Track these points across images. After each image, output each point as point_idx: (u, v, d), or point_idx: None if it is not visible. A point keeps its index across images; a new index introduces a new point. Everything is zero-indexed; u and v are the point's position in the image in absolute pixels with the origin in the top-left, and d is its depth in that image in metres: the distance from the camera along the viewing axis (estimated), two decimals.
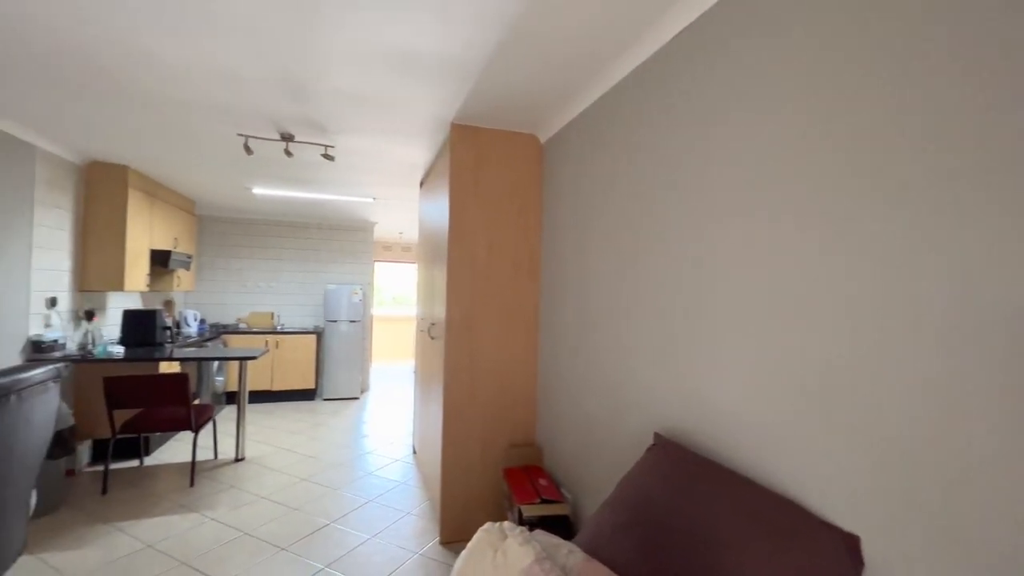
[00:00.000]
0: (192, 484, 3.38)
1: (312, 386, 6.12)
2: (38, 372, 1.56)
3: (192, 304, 6.12)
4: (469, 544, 1.26)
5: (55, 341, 3.50)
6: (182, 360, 4.05)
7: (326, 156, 3.32)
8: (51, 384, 1.65)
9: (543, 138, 2.84)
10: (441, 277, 2.89)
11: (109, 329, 4.36)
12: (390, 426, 5.05)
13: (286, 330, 6.09)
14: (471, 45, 1.95)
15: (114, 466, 3.66)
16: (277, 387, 5.95)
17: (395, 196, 4.99)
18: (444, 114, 2.70)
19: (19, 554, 1.66)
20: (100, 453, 3.71)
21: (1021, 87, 0.80)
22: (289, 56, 2.09)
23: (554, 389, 2.62)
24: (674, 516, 1.26)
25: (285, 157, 3.52)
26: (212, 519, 2.89)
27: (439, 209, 3.09)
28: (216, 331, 5.79)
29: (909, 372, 0.94)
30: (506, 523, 1.26)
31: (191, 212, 5.64)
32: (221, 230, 6.25)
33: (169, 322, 4.74)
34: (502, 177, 2.82)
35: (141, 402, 3.28)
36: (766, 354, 1.27)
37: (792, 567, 1.00)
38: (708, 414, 1.46)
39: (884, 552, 0.97)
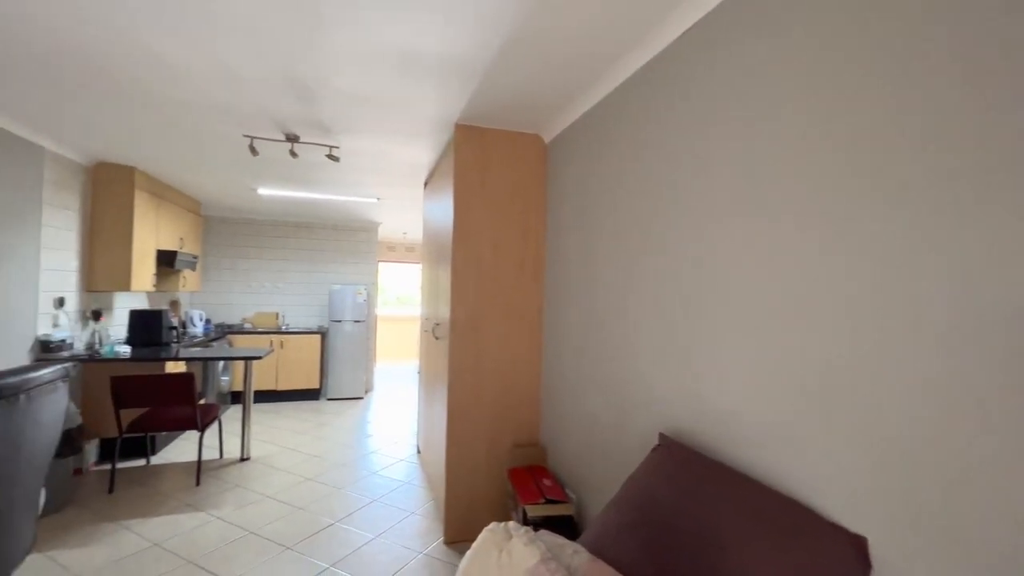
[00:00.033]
0: (198, 483, 3.41)
1: (316, 386, 6.15)
2: (47, 372, 1.58)
3: (198, 304, 6.16)
4: (474, 544, 1.27)
5: (63, 341, 3.53)
6: (188, 360, 4.08)
7: (331, 157, 3.34)
8: (60, 384, 1.67)
9: (547, 138, 2.85)
10: (446, 277, 2.90)
11: (116, 329, 4.40)
12: (394, 426, 5.06)
13: (291, 330, 6.11)
14: (475, 45, 1.95)
15: (121, 465, 3.69)
16: (282, 387, 5.98)
17: (399, 196, 5.00)
18: (448, 114, 2.71)
19: (28, 552, 1.68)
20: (107, 452, 3.75)
21: (1021, 87, 0.80)
22: (293, 56, 2.10)
23: (558, 389, 2.63)
24: (679, 516, 1.26)
25: (290, 158, 3.54)
26: (218, 518, 2.91)
27: (443, 209, 3.10)
28: (221, 331, 5.82)
29: (909, 372, 0.94)
30: (511, 523, 1.27)
31: (197, 213, 5.67)
32: (226, 230, 6.28)
33: (175, 322, 4.77)
34: (506, 177, 2.83)
35: (147, 401, 3.30)
36: (769, 354, 1.27)
37: (797, 568, 1.00)
38: (713, 414, 1.47)
39: (884, 552, 0.97)
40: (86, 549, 2.54)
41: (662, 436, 1.62)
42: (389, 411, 5.70)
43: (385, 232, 7.51)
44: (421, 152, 3.46)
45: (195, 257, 5.35)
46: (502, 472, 2.78)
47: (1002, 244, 0.82)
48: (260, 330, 6.02)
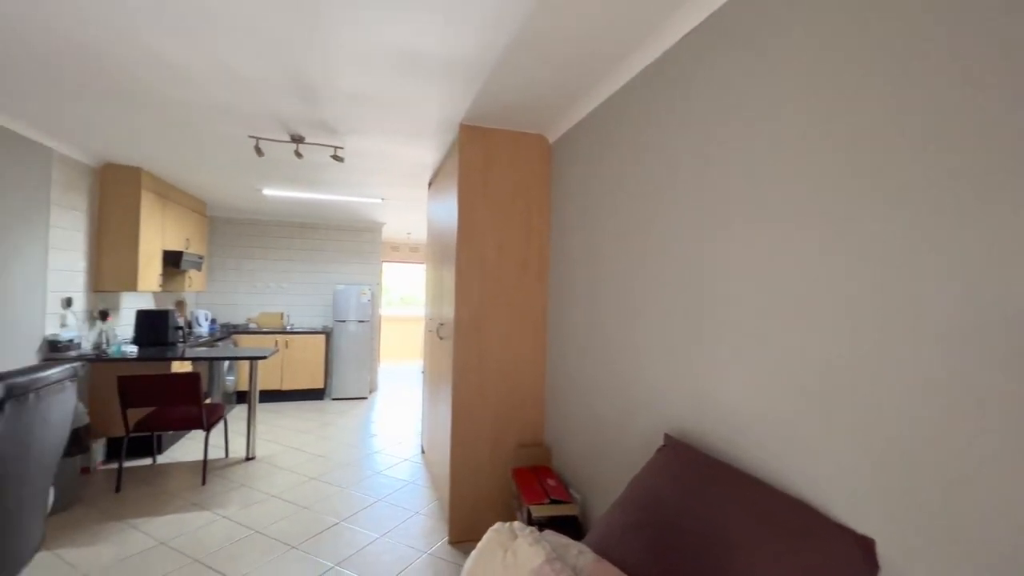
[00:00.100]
0: (204, 482, 3.43)
1: (321, 386, 6.17)
2: (55, 371, 1.59)
3: (203, 304, 6.19)
4: (479, 544, 1.27)
5: (70, 341, 3.56)
6: (194, 360, 4.10)
7: (335, 157, 3.35)
8: (68, 383, 1.68)
9: (551, 138, 2.85)
10: (450, 277, 2.91)
11: (123, 329, 4.43)
12: (398, 426, 5.08)
13: (295, 330, 6.14)
14: (480, 45, 1.96)
15: (127, 464, 3.72)
16: (287, 387, 6.00)
17: (403, 197, 5.01)
18: (452, 115, 2.72)
19: (37, 550, 1.70)
20: (114, 451, 3.77)
21: (1021, 87, 0.80)
22: (298, 57, 2.11)
23: (562, 389, 2.63)
24: (685, 517, 1.26)
25: (295, 159, 3.56)
26: (223, 517, 2.93)
27: (448, 210, 3.11)
28: (227, 331, 5.85)
29: (909, 372, 0.95)
30: (516, 523, 1.27)
31: (202, 213, 5.70)
32: (232, 231, 6.32)
33: (181, 322, 4.81)
34: (510, 178, 2.83)
35: (154, 401, 3.33)
36: (770, 354, 1.27)
37: (805, 569, 1.00)
38: (718, 414, 1.47)
39: (885, 552, 0.98)
40: (93, 547, 2.56)
41: (667, 437, 1.62)
42: (393, 411, 5.72)
43: (389, 232, 7.54)
44: (425, 152, 3.47)
45: (201, 257, 5.38)
46: (506, 472, 2.78)
47: (1002, 244, 0.82)
48: (265, 330, 6.05)
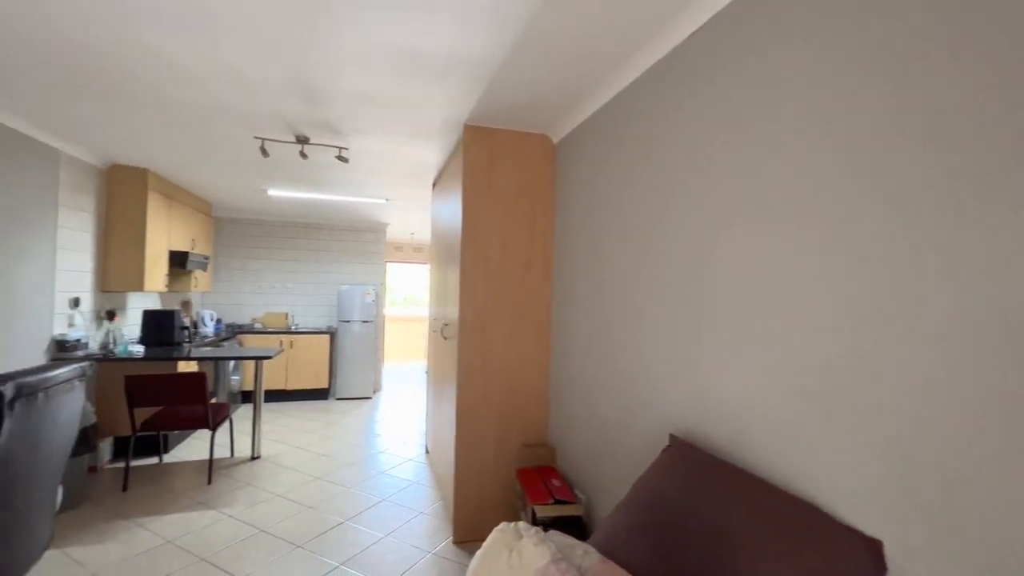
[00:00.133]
0: (210, 481, 3.45)
1: (325, 385, 6.19)
2: (64, 371, 1.60)
3: (209, 304, 6.23)
4: (484, 544, 1.28)
5: (78, 340, 3.59)
6: (200, 359, 4.13)
7: (340, 158, 3.36)
8: (77, 383, 1.70)
9: (556, 138, 2.85)
10: (454, 277, 2.91)
11: (129, 329, 4.46)
12: (402, 426, 5.09)
13: (300, 330, 6.16)
14: (485, 45, 1.96)
15: (134, 463, 3.74)
16: (291, 386, 6.03)
17: (407, 197, 5.03)
18: (457, 115, 2.72)
19: (46, 548, 1.71)
20: (121, 450, 3.80)
21: (1021, 87, 0.80)
22: (300, 58, 2.12)
23: (566, 389, 2.63)
24: (690, 518, 1.26)
25: (300, 159, 3.57)
26: (229, 516, 2.95)
27: (452, 210, 3.11)
28: (232, 331, 5.88)
29: (909, 372, 0.95)
30: (521, 523, 1.27)
31: (208, 214, 5.73)
32: (237, 231, 6.35)
33: (187, 322, 4.83)
34: (515, 178, 2.83)
35: (160, 400, 3.35)
36: (772, 354, 1.27)
37: (809, 569, 1.00)
38: (721, 414, 1.46)
39: (888, 553, 0.98)
40: (101, 546, 2.58)
41: (672, 437, 1.62)
42: (397, 411, 5.73)
43: (393, 233, 7.55)
44: (429, 153, 3.48)
45: (206, 258, 5.41)
46: (510, 472, 2.79)
47: (1002, 244, 0.82)
48: (270, 330, 6.08)
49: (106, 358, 3.62)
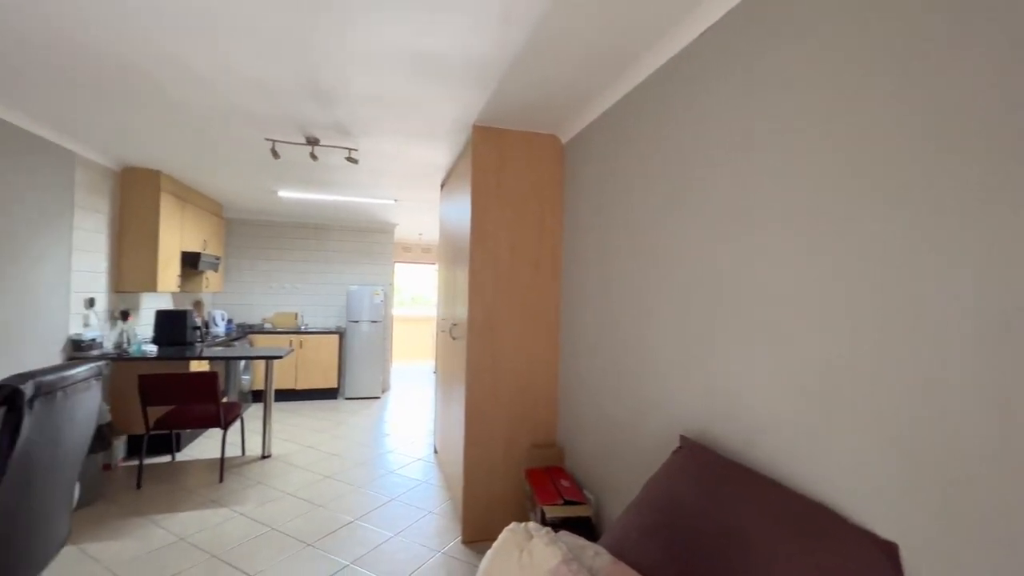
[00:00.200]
0: (221, 480, 3.49)
1: (335, 385, 6.23)
2: (82, 370, 1.63)
3: (220, 304, 6.29)
4: (495, 544, 1.28)
5: (93, 340, 3.64)
6: (211, 359, 4.17)
7: (350, 159, 3.38)
8: (94, 382, 1.72)
9: (564, 139, 2.85)
10: (463, 278, 2.92)
11: (142, 328, 4.52)
12: (411, 426, 5.11)
13: (309, 330, 6.21)
14: (495, 46, 1.97)
15: (147, 461, 3.79)
16: (301, 386, 6.07)
17: (416, 198, 5.05)
18: (466, 116, 2.73)
19: (63, 544, 1.74)
20: (134, 448, 3.85)
21: (1021, 87, 0.80)
22: (310, 60, 2.14)
23: (575, 389, 2.63)
24: (702, 519, 1.26)
25: (310, 161, 3.60)
26: (241, 514, 2.98)
27: (460, 211, 3.12)
28: (243, 331, 5.94)
29: (909, 372, 0.95)
30: (531, 523, 1.28)
31: (219, 215, 5.79)
32: (247, 232, 6.41)
33: (199, 322, 4.88)
34: (523, 178, 2.84)
35: (173, 399, 3.39)
36: (779, 354, 1.27)
37: (821, 570, 1.00)
38: (731, 415, 1.46)
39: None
40: (116, 542, 2.62)
41: (683, 438, 1.62)
42: (406, 411, 5.75)
43: (401, 233, 7.59)
44: (438, 154, 3.49)
45: (218, 258, 5.46)
46: (519, 472, 2.79)
47: (1002, 244, 0.81)
48: (280, 330, 6.13)
49: (120, 357, 3.67)
